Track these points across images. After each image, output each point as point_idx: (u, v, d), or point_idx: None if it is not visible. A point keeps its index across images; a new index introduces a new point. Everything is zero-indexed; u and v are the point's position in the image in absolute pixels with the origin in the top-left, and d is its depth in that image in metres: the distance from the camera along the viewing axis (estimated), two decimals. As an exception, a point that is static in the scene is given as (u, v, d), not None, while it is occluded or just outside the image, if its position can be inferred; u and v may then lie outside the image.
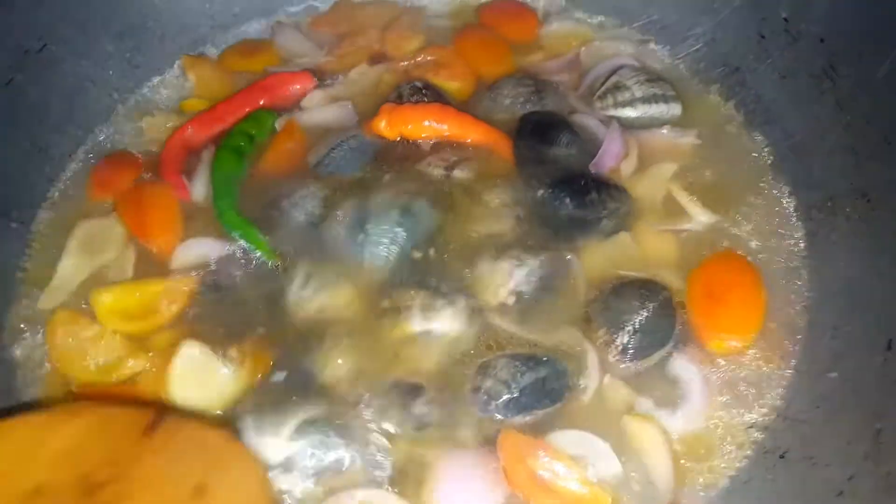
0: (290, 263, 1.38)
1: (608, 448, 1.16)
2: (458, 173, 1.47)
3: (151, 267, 1.42)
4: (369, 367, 1.25)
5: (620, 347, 1.26)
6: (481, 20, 1.82)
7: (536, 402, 1.20)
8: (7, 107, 1.53)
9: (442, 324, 1.27)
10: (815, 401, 1.20)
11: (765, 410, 1.22)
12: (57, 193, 1.58)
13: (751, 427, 1.21)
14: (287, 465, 1.15)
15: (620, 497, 1.15)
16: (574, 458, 1.14)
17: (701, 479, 1.17)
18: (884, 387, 1.10)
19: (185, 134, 1.60)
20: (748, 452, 1.18)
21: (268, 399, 1.21)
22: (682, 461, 1.18)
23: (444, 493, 1.14)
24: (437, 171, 1.48)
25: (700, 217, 1.43)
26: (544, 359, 1.23)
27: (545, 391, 1.21)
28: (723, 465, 1.18)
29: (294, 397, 1.21)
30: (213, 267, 1.40)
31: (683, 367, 1.25)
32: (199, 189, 1.54)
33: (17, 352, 1.36)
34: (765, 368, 1.26)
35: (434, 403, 1.20)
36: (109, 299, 1.34)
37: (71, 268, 1.43)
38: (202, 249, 1.43)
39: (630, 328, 1.25)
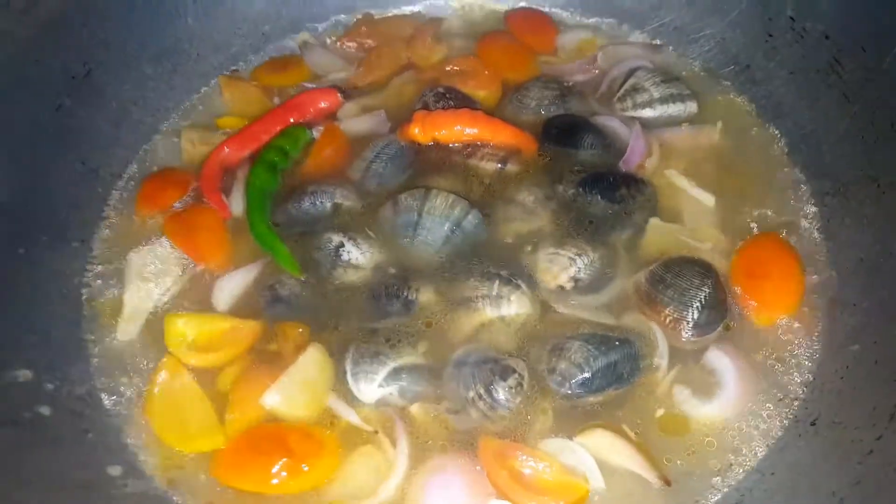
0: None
1: (587, 455, 1.25)
2: (510, 167, 1.58)
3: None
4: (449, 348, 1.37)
5: (691, 323, 1.35)
6: (502, 28, 1.92)
7: (608, 384, 1.30)
8: (58, 130, 1.60)
9: (511, 308, 1.37)
10: (840, 372, 1.30)
11: (795, 383, 1.33)
12: (110, 212, 1.66)
13: (782, 399, 1.31)
14: (378, 405, 1.31)
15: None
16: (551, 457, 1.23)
17: (743, 449, 1.27)
18: (904, 355, 1.21)
19: (221, 153, 1.68)
20: (783, 423, 1.28)
21: (366, 354, 1.33)
22: (722, 432, 1.28)
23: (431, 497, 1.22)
24: (490, 165, 1.59)
25: (706, 201, 1.54)
26: (616, 342, 1.32)
27: (616, 374, 1.30)
28: (759, 436, 1.28)
29: (387, 352, 1.33)
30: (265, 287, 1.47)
31: (718, 356, 1.34)
32: (237, 205, 1.62)
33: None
34: (795, 344, 1.37)
35: (516, 389, 1.29)
36: (182, 325, 1.39)
37: (137, 298, 1.48)
38: (240, 279, 1.50)
39: (698, 304, 1.35)
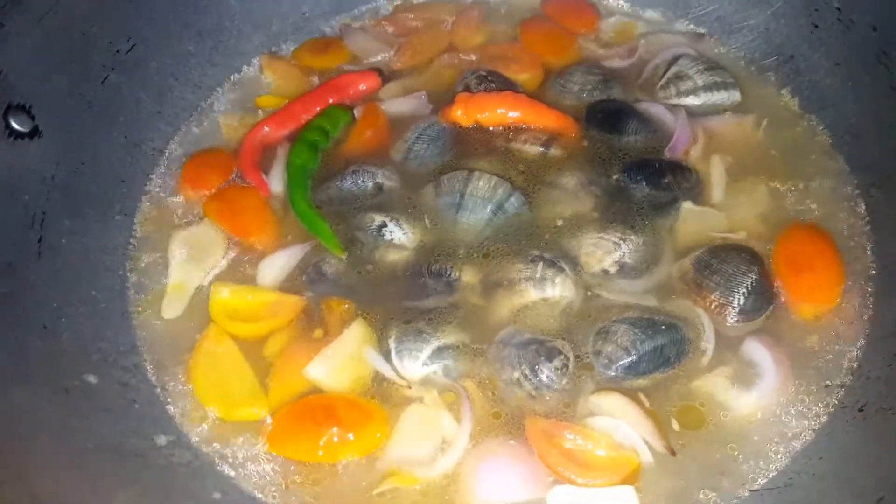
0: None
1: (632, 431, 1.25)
2: (553, 150, 1.58)
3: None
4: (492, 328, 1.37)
5: (738, 308, 1.35)
6: (544, 12, 1.91)
7: (654, 368, 1.31)
8: (103, 104, 1.61)
9: (555, 290, 1.37)
10: (886, 360, 1.30)
11: (842, 370, 1.33)
12: (153, 187, 1.67)
13: (828, 386, 1.31)
14: (422, 383, 1.32)
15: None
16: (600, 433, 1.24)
17: (788, 433, 1.27)
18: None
19: (261, 132, 1.69)
20: (829, 409, 1.29)
21: (410, 332, 1.34)
22: (770, 416, 1.29)
23: (486, 483, 1.23)
24: (533, 149, 1.59)
25: (748, 190, 1.54)
26: (662, 326, 1.32)
27: (663, 357, 1.31)
28: (806, 421, 1.28)
29: (431, 331, 1.34)
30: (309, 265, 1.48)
31: (756, 348, 1.33)
32: (276, 183, 1.63)
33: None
34: (840, 333, 1.37)
35: (562, 371, 1.29)
36: (227, 294, 1.42)
37: (181, 277, 1.49)
38: (286, 259, 1.49)
39: (744, 290, 1.35)
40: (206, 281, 1.50)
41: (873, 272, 1.43)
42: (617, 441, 1.24)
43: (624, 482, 1.21)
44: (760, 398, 1.30)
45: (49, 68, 1.46)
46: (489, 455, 1.24)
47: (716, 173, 1.56)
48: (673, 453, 1.23)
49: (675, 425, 1.27)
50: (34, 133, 1.42)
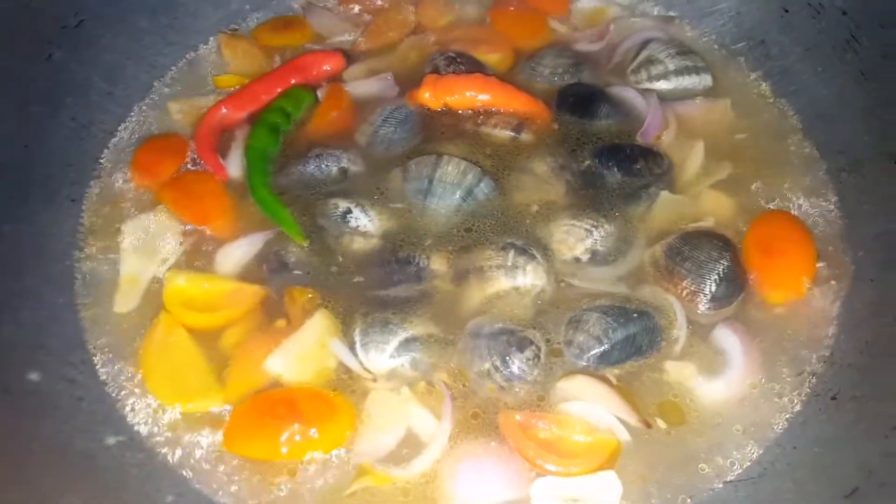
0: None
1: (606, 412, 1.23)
2: (524, 135, 1.54)
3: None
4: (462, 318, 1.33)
5: (709, 296, 1.33)
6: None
7: (626, 357, 1.28)
8: (49, 83, 1.52)
9: (526, 279, 1.33)
10: (859, 347, 1.29)
11: (814, 358, 1.32)
12: (103, 172, 1.58)
13: (801, 374, 1.30)
14: (389, 377, 1.27)
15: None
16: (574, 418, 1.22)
17: (761, 423, 1.25)
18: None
19: (219, 113, 1.61)
20: (802, 397, 1.27)
21: (376, 323, 1.29)
22: (742, 404, 1.27)
23: (467, 483, 1.19)
24: (505, 133, 1.55)
25: (720, 175, 1.52)
26: (634, 315, 1.29)
27: (635, 346, 1.28)
28: (779, 409, 1.27)
29: (398, 321, 1.29)
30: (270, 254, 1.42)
31: (726, 335, 1.31)
32: (235, 167, 1.55)
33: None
34: (812, 319, 1.35)
35: (534, 361, 1.26)
36: (183, 282, 1.35)
37: (133, 269, 1.41)
38: (245, 248, 1.43)
39: (716, 276, 1.33)
40: (160, 272, 1.42)
41: (844, 257, 1.42)
42: (592, 424, 1.22)
43: (606, 464, 1.19)
44: (728, 387, 1.28)
45: (-11, 45, 1.37)
46: (468, 454, 1.20)
47: (695, 159, 1.54)
48: (648, 426, 1.22)
49: (662, 423, 1.25)
50: (-27, 115, 1.33)
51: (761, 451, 1.22)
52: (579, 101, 1.59)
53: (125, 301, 1.39)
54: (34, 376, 1.23)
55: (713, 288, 1.33)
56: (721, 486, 1.20)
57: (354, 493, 1.18)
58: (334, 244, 1.43)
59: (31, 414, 1.19)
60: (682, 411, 1.26)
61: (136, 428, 1.26)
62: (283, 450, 1.20)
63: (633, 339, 1.28)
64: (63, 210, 1.50)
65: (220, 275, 1.41)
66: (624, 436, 1.22)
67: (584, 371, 1.28)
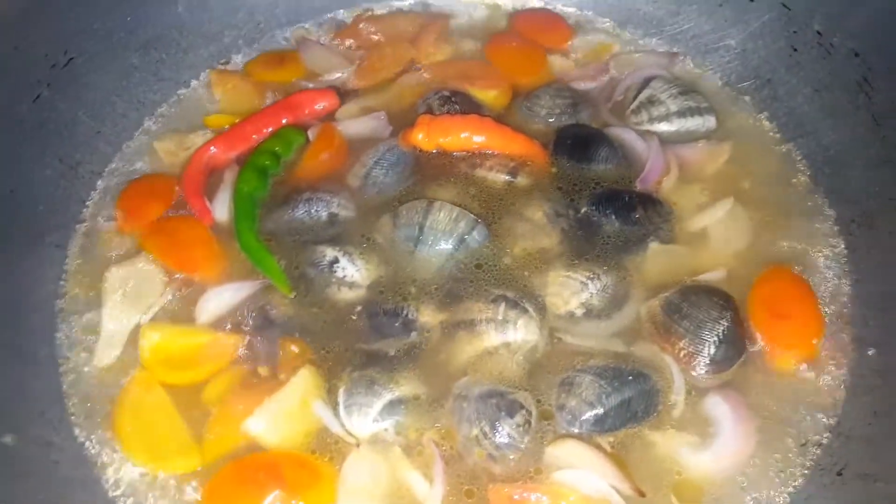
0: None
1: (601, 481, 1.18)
2: (520, 179, 1.50)
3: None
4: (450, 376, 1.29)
5: (708, 358, 1.27)
6: (513, 28, 1.83)
7: (621, 424, 1.23)
8: (36, 123, 1.49)
9: (517, 334, 1.28)
10: (867, 417, 1.23)
11: (818, 427, 1.26)
12: (88, 216, 1.55)
13: (804, 444, 1.24)
14: (372, 441, 1.23)
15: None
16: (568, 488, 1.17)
17: (762, 498, 1.19)
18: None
19: (207, 153, 1.58)
20: (805, 471, 1.21)
21: (361, 383, 1.25)
22: (740, 479, 1.21)
23: None
24: (500, 177, 1.51)
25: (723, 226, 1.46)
26: (630, 377, 1.24)
27: (630, 412, 1.22)
28: (779, 484, 1.21)
29: (384, 381, 1.25)
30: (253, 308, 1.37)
31: (717, 404, 1.26)
32: (221, 210, 1.52)
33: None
34: (817, 386, 1.29)
35: (524, 427, 1.21)
36: (158, 339, 1.32)
37: (116, 319, 1.38)
38: (227, 296, 1.39)
39: (715, 338, 1.27)
40: (143, 321, 1.38)
41: (852, 317, 1.36)
42: (585, 493, 1.17)
43: None
44: (717, 460, 1.22)
45: (-24, 85, 1.35)
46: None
47: (690, 207, 1.48)
48: (641, 494, 1.17)
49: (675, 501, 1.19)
50: (-43, 157, 1.30)
51: (762, 529, 1.17)
52: (577, 143, 1.55)
53: (106, 352, 1.36)
54: (8, 439, 1.19)
55: (712, 350, 1.27)
56: (720, 563, 1.14)
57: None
58: (320, 295, 1.39)
59: (6, 480, 1.15)
60: (700, 488, 1.20)
61: (111, 495, 1.22)
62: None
63: (629, 403, 1.23)
64: (47, 257, 1.47)
65: (199, 324, 1.37)
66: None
67: (577, 437, 1.22)
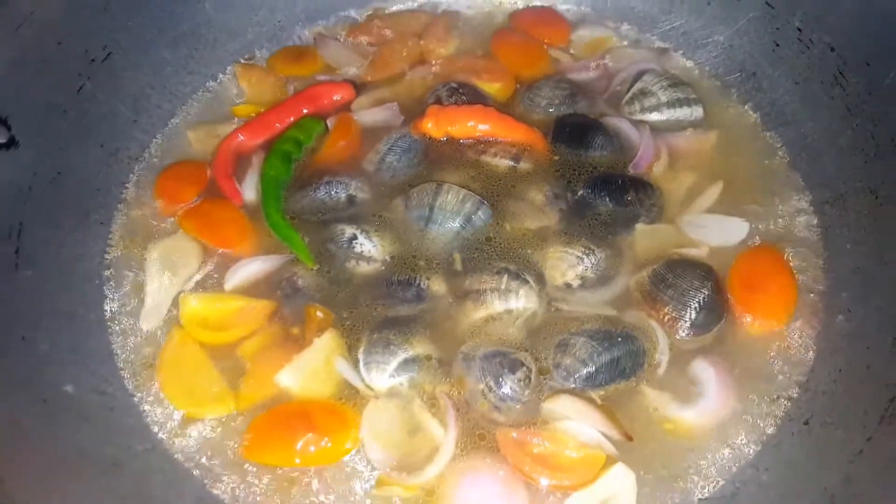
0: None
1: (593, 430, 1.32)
2: (523, 164, 1.63)
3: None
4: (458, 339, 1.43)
5: (689, 322, 1.41)
6: (514, 25, 1.95)
7: (610, 379, 1.37)
8: (80, 113, 1.62)
9: (519, 302, 1.42)
10: (832, 375, 1.36)
11: (789, 384, 1.39)
12: (129, 195, 1.69)
13: (777, 398, 1.38)
14: (389, 394, 1.37)
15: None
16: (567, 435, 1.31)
17: (736, 444, 1.34)
18: (894, 363, 1.27)
19: (235, 140, 1.72)
20: (776, 422, 1.35)
21: (379, 343, 1.39)
22: (719, 426, 1.35)
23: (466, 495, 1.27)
24: (504, 162, 1.64)
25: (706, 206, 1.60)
26: (619, 339, 1.38)
27: (619, 369, 1.37)
28: (753, 433, 1.35)
29: (399, 342, 1.39)
30: (283, 278, 1.52)
31: (703, 368, 1.38)
32: (250, 192, 1.66)
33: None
34: (789, 347, 1.43)
35: (525, 381, 1.34)
36: (196, 304, 1.47)
37: (158, 289, 1.52)
38: (258, 265, 1.54)
39: (696, 304, 1.41)
40: (184, 290, 1.53)
41: (823, 288, 1.49)
42: (581, 441, 1.30)
43: (595, 478, 1.28)
44: (700, 416, 1.35)
45: (25, 79, 1.48)
46: (469, 470, 1.29)
47: (676, 189, 1.61)
48: (629, 438, 1.30)
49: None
50: (11, 144, 1.43)
51: (735, 472, 1.30)
52: (575, 131, 1.68)
53: (150, 318, 1.50)
54: (69, 388, 1.34)
55: (693, 315, 1.41)
56: (696, 502, 1.28)
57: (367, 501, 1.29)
58: (341, 268, 1.52)
59: (66, 424, 1.30)
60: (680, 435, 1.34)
61: (160, 437, 1.37)
62: (297, 459, 1.31)
63: (617, 362, 1.36)
64: (92, 233, 1.60)
65: (232, 291, 1.52)
66: (610, 450, 1.30)
67: (571, 391, 1.36)
